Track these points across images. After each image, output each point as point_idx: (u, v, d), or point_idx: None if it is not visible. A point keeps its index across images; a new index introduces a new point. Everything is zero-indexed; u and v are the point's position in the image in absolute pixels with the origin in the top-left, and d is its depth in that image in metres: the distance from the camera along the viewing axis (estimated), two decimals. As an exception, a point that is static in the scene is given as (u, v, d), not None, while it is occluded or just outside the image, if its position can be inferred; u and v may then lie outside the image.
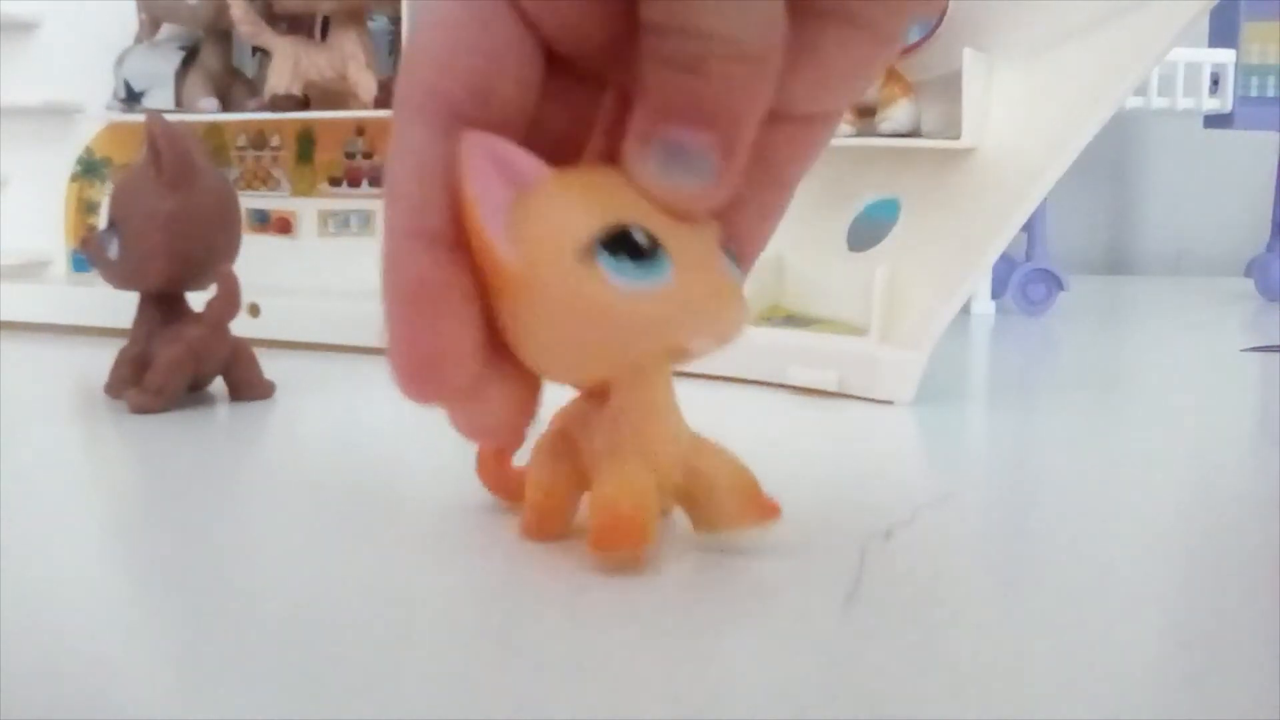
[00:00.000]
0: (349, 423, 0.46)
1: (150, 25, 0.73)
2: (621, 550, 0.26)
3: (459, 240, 0.22)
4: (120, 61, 0.73)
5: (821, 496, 0.34)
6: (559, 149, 0.23)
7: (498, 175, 0.21)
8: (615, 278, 0.22)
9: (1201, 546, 0.31)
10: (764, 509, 0.27)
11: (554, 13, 0.21)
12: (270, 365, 0.49)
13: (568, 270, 0.22)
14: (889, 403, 0.48)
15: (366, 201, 0.71)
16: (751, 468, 0.28)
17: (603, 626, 0.24)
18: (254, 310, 0.61)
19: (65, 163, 0.75)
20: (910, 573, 0.27)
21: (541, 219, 0.22)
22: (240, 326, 0.48)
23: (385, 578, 0.27)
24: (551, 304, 0.22)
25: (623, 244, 0.22)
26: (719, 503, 0.27)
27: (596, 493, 0.26)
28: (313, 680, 0.21)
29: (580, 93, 0.23)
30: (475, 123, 0.21)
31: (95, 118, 0.74)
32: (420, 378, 0.22)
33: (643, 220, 0.22)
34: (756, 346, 0.52)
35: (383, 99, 0.66)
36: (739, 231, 0.24)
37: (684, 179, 0.21)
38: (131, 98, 0.72)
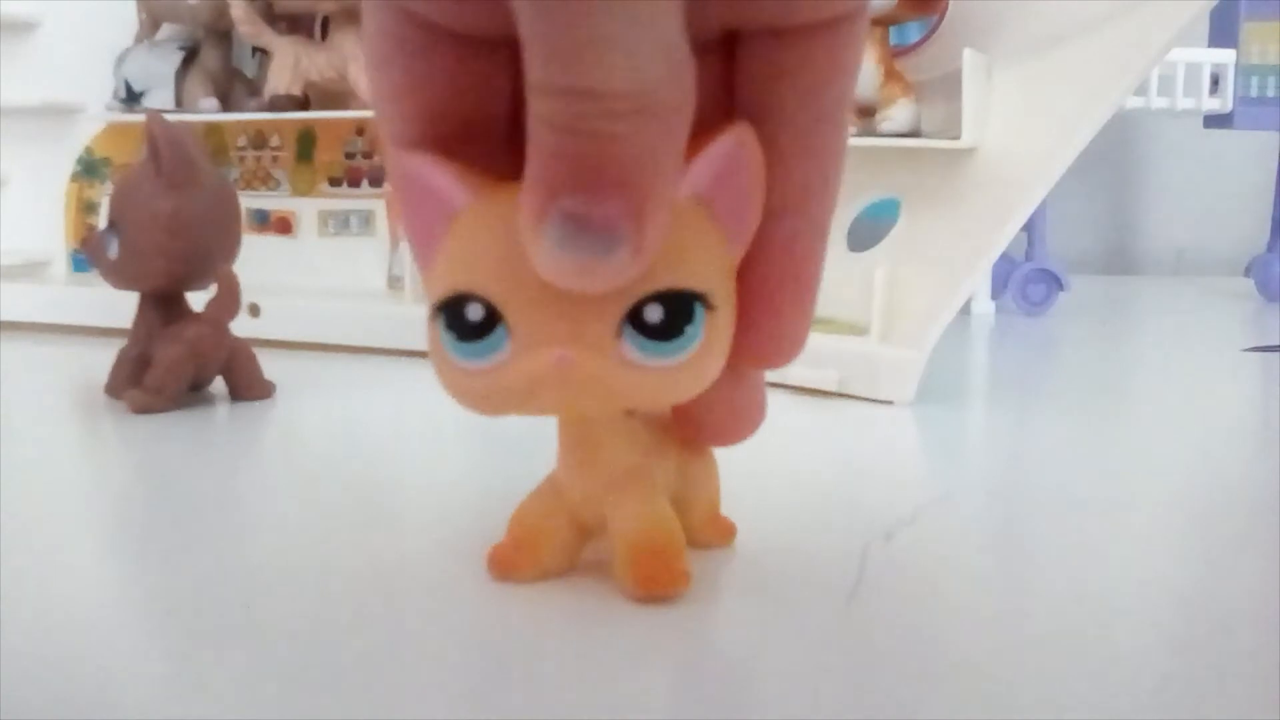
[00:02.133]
0: (349, 423, 0.46)
1: (150, 25, 0.73)
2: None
3: None
4: (120, 61, 0.73)
5: (822, 496, 0.34)
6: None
7: (427, 205, 0.21)
8: (444, 347, 0.21)
9: (1201, 546, 0.31)
10: (660, 579, 0.25)
11: (432, 4, 0.20)
12: (270, 365, 0.49)
13: (428, 324, 0.21)
14: (889, 403, 0.48)
15: (366, 201, 0.71)
16: (674, 526, 0.25)
17: (603, 626, 0.24)
18: (254, 310, 0.61)
19: (65, 163, 0.75)
20: (910, 572, 0.27)
21: (438, 260, 0.21)
22: (240, 326, 0.48)
23: (384, 577, 0.27)
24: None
25: (454, 317, 0.20)
26: (616, 564, 0.25)
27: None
28: (311, 680, 0.21)
29: None
30: (447, 138, 0.21)
31: (95, 118, 0.74)
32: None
33: (500, 281, 0.20)
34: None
35: (383, 99, 0.66)
36: (789, 182, 0.21)
37: (588, 255, 0.18)
38: (131, 98, 0.72)
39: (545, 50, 0.17)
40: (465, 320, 0.20)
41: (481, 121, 0.22)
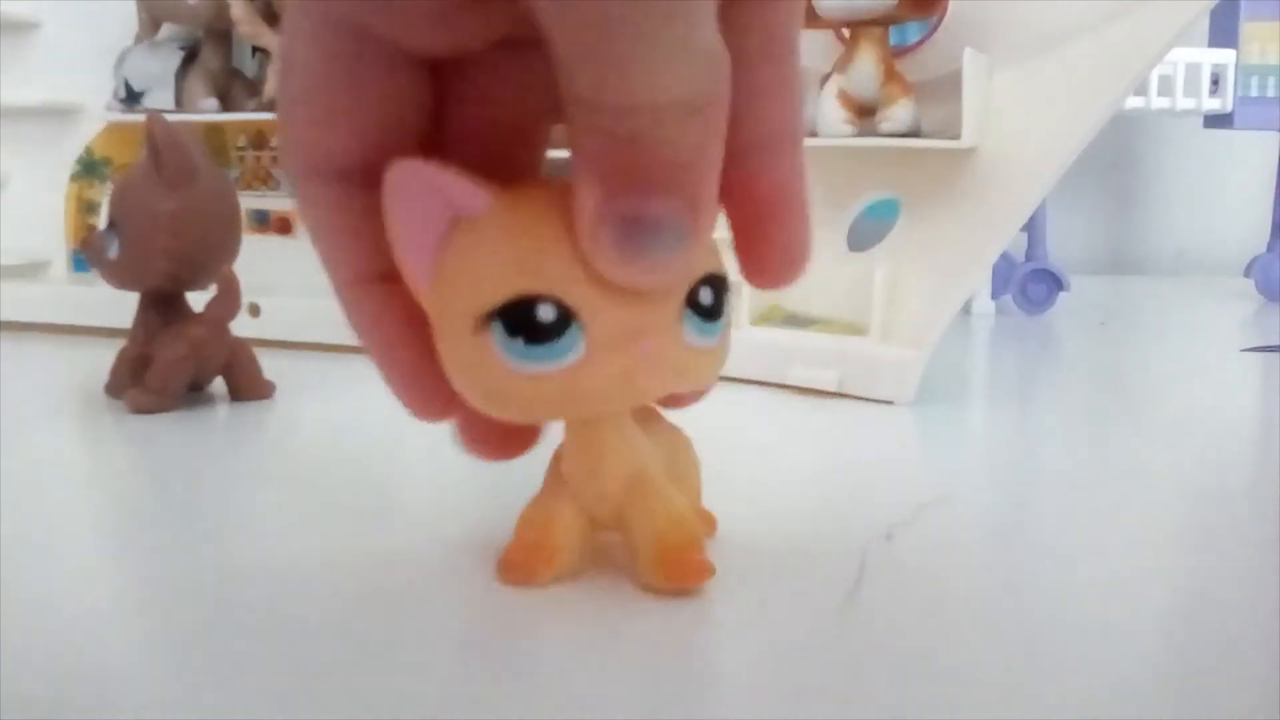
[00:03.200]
0: (349, 423, 0.46)
1: (150, 25, 0.73)
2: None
3: (395, 272, 0.21)
4: (120, 61, 0.73)
5: (821, 496, 0.34)
6: (512, 129, 0.22)
7: (428, 207, 0.20)
8: (503, 354, 0.20)
9: (1201, 546, 0.31)
10: (688, 571, 0.25)
11: (403, 25, 0.19)
12: (270, 365, 0.49)
13: (462, 336, 0.20)
14: (889, 403, 0.48)
15: (366, 201, 0.71)
16: (702, 507, 0.26)
17: (603, 626, 0.24)
18: (254, 310, 0.61)
19: (65, 163, 0.75)
20: (910, 573, 0.27)
21: (458, 266, 0.20)
22: (240, 326, 0.48)
23: (383, 579, 0.27)
24: (451, 359, 0.21)
25: (521, 321, 0.20)
26: (636, 555, 0.25)
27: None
28: (312, 681, 0.21)
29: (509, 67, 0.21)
30: (366, 162, 0.20)
31: (95, 118, 0.74)
32: (405, 401, 0.23)
33: (569, 280, 0.20)
34: (756, 346, 0.52)
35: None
36: (767, 118, 0.21)
37: (654, 253, 0.18)
38: (131, 98, 0.72)
39: (589, 68, 0.17)
40: (536, 322, 0.20)
41: (407, 144, 0.21)
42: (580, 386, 0.20)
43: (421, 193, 0.20)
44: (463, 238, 0.20)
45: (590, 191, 0.18)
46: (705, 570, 0.25)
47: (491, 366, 0.20)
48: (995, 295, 0.86)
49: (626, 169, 0.18)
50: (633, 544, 0.25)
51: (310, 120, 0.21)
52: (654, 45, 0.16)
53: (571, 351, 0.20)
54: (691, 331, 0.21)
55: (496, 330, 0.20)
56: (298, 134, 0.21)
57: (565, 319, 0.20)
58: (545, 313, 0.20)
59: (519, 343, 0.20)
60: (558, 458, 0.26)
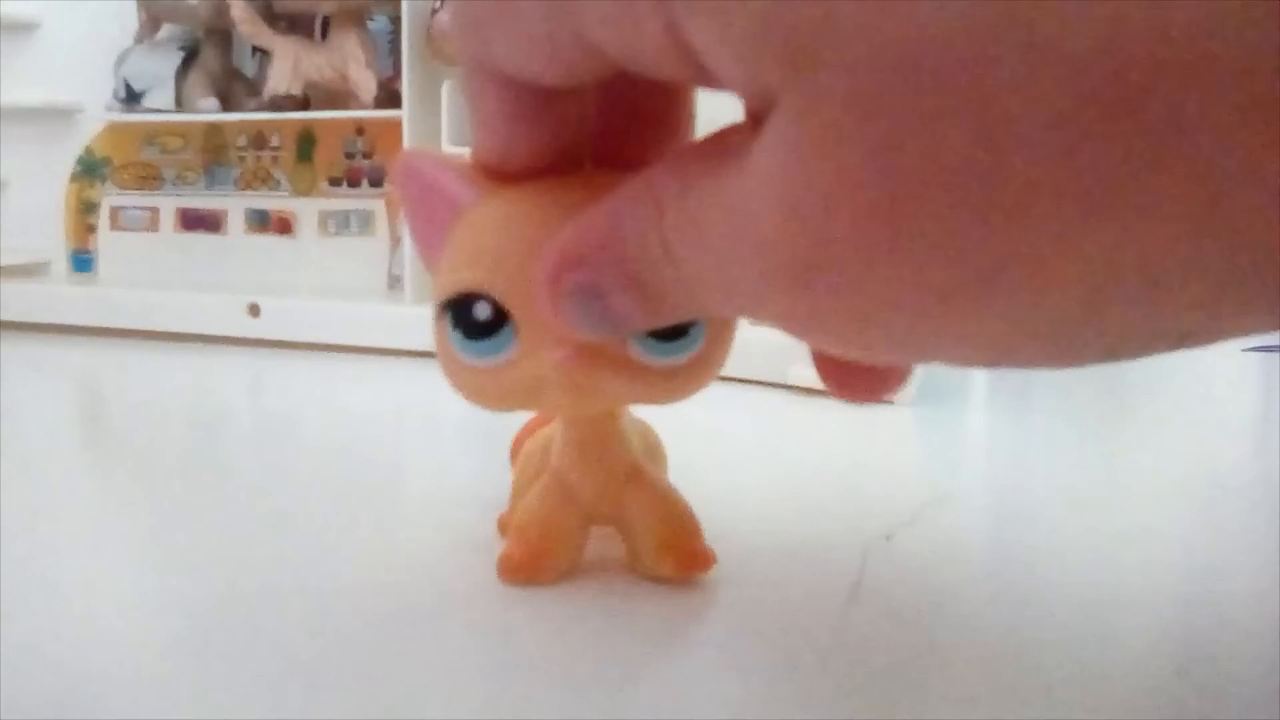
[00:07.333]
0: (348, 423, 0.46)
1: (150, 25, 0.73)
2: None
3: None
4: (120, 61, 0.73)
5: (822, 496, 0.34)
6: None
7: (431, 195, 0.21)
8: (451, 343, 0.21)
9: (1201, 546, 0.31)
10: (690, 560, 0.25)
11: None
12: (270, 365, 0.49)
13: (435, 319, 0.21)
14: (889, 403, 0.48)
15: (366, 201, 0.71)
16: (699, 506, 0.26)
17: (604, 626, 0.24)
18: (254, 310, 0.61)
19: (65, 163, 0.75)
20: (911, 573, 0.27)
21: (445, 255, 0.21)
22: (240, 326, 0.48)
23: (383, 579, 0.26)
24: (434, 338, 0.22)
25: (462, 315, 0.20)
26: (640, 547, 0.26)
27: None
28: (309, 682, 0.21)
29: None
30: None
31: (95, 118, 0.74)
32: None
33: (511, 282, 0.20)
34: (756, 346, 0.52)
35: (383, 99, 0.66)
36: None
37: (594, 327, 0.17)
38: (131, 98, 0.72)
39: (668, 200, 0.15)
40: (473, 319, 0.20)
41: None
42: (505, 386, 0.21)
43: (424, 182, 0.21)
44: (457, 228, 0.21)
45: (570, 243, 0.17)
46: (709, 559, 0.25)
47: (447, 352, 0.21)
48: (995, 295, 0.86)
49: (616, 258, 0.16)
50: (634, 538, 0.26)
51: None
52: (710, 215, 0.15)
53: (503, 351, 0.20)
54: (640, 350, 0.20)
55: (448, 320, 0.21)
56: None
57: (501, 318, 0.20)
58: (481, 310, 0.20)
59: (460, 335, 0.21)
60: (545, 454, 0.26)
